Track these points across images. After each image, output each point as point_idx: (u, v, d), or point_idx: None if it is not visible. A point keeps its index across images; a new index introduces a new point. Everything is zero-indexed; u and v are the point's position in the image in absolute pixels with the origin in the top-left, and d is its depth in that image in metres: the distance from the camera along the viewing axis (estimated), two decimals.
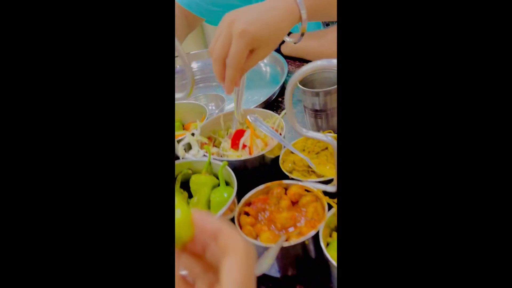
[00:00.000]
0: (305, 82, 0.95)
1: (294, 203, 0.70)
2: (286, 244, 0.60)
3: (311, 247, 0.63)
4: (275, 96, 1.12)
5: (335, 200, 0.67)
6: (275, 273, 0.65)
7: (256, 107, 1.04)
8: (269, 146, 0.81)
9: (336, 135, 0.81)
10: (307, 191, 0.70)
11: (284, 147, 0.80)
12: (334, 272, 0.59)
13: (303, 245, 0.62)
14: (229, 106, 1.03)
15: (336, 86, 0.91)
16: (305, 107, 0.95)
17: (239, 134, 0.85)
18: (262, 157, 0.78)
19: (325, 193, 0.69)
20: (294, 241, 0.61)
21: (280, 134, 0.84)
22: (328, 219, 0.63)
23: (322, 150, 0.82)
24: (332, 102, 0.92)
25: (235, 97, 0.86)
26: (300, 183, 0.71)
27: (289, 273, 0.65)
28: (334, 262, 0.57)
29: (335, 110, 0.93)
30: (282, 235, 0.64)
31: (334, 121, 0.95)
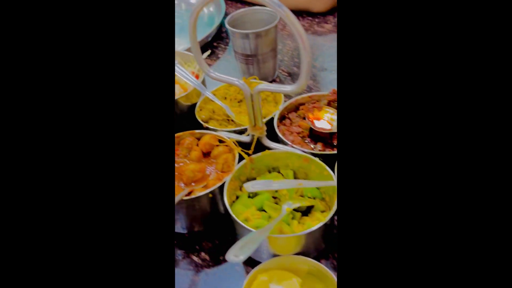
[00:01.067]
0: (235, 24, 0.86)
1: (206, 154, 0.64)
2: (186, 198, 0.54)
3: (218, 201, 0.58)
4: (210, 39, 1.03)
5: (250, 151, 0.61)
6: (181, 229, 0.60)
7: (187, 50, 0.95)
8: (187, 92, 0.74)
9: (257, 81, 0.74)
10: (221, 141, 0.64)
11: (203, 94, 0.73)
12: (238, 228, 0.54)
13: (208, 199, 0.56)
14: None
15: (269, 27, 0.83)
16: (235, 52, 0.87)
17: None
18: (175, 103, 0.71)
19: (241, 144, 0.63)
20: (195, 194, 0.55)
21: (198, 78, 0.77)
22: (237, 171, 0.58)
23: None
24: (264, 46, 0.84)
25: None
26: (213, 132, 0.65)
27: (196, 229, 0.60)
28: (235, 218, 0.52)
29: (268, 56, 0.85)
30: (184, 188, 0.58)
31: (266, 67, 0.88)
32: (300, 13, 1.11)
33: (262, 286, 0.49)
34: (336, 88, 0.70)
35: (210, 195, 0.56)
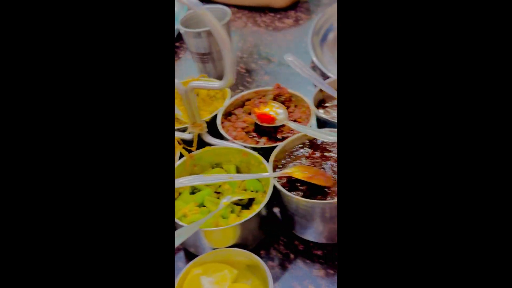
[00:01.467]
0: (189, 24, 0.87)
1: None
2: None
3: None
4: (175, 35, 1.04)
5: (193, 147, 0.62)
6: None
7: None
8: None
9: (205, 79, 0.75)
10: None
11: None
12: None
13: None
14: None
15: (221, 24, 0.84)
16: (190, 51, 0.88)
17: None
18: None
19: (186, 142, 0.64)
20: None
21: None
22: (177, 168, 0.59)
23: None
24: (217, 44, 0.85)
25: None
26: None
27: None
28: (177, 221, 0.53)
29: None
30: None
31: (223, 65, 0.89)
32: (262, 9, 1.12)
33: (194, 279, 0.50)
34: (279, 83, 0.71)
35: None
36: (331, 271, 0.54)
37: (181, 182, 0.54)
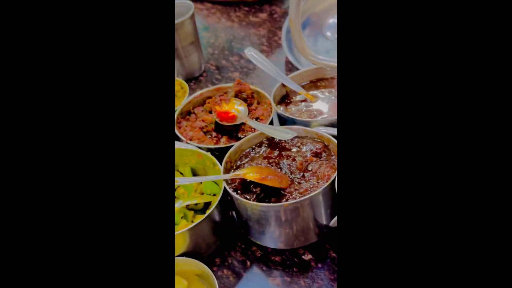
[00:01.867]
0: None
1: None
2: None
3: None
4: None
5: None
6: None
7: None
8: None
9: None
10: None
11: None
12: None
13: None
14: None
15: (182, 19, 0.80)
16: None
17: None
18: None
19: None
20: None
21: None
22: None
23: None
24: (182, 40, 0.82)
25: None
26: None
27: None
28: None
29: (189, 49, 0.83)
30: None
31: (190, 61, 0.85)
32: (237, 4, 1.09)
33: None
34: (249, 80, 0.68)
35: None
36: (288, 279, 0.50)
37: None
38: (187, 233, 0.49)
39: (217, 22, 1.05)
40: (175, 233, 0.48)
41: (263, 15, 1.04)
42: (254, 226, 0.51)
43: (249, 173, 0.51)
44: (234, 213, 0.55)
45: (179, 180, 0.52)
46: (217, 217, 0.52)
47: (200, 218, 0.54)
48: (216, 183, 0.56)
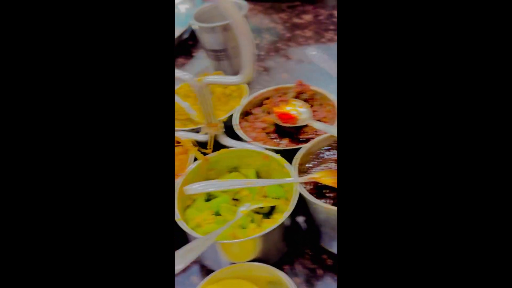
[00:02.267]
0: (203, 19, 0.82)
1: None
2: None
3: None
4: (186, 36, 0.99)
5: (208, 150, 0.57)
6: None
7: None
8: None
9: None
10: (179, 143, 0.60)
11: None
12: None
13: None
14: None
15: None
16: (204, 49, 0.83)
17: None
18: None
19: (201, 144, 0.59)
20: None
21: None
22: (190, 173, 0.54)
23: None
24: (233, 40, 0.80)
25: None
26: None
27: None
28: (180, 223, 0.47)
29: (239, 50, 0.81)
30: None
31: (239, 63, 0.83)
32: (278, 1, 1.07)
33: None
34: (301, 80, 0.65)
35: None
36: None
37: (194, 188, 0.48)
38: (260, 239, 0.46)
39: (260, 23, 1.03)
40: (247, 238, 0.46)
41: (308, 17, 1.02)
42: (329, 232, 0.49)
43: (325, 176, 0.48)
44: (301, 218, 0.53)
45: (252, 182, 0.49)
46: (288, 223, 0.49)
47: (267, 222, 0.51)
48: (281, 186, 0.54)
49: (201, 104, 0.54)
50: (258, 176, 0.57)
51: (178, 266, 0.40)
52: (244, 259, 0.48)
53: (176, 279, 0.52)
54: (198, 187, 0.49)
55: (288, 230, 0.50)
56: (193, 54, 0.97)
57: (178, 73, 0.55)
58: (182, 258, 0.42)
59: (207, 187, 0.49)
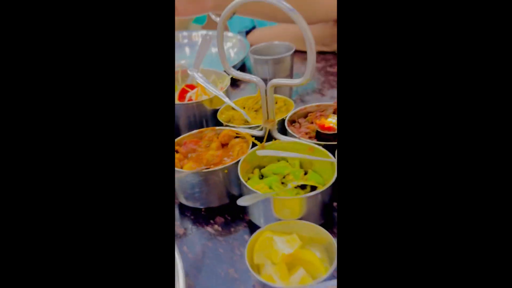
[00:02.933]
0: (256, 54, 1.00)
1: (224, 145, 0.74)
2: (203, 171, 0.64)
3: (232, 180, 0.66)
4: (238, 67, 1.17)
5: (263, 142, 0.71)
6: (199, 205, 0.68)
7: None
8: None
9: None
10: (238, 136, 0.74)
11: (225, 102, 0.84)
12: (246, 191, 0.62)
13: (223, 174, 0.65)
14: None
15: (285, 55, 0.96)
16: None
17: (190, 87, 0.90)
18: (201, 105, 0.83)
19: (256, 139, 0.73)
20: (212, 168, 0.64)
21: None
22: (250, 154, 0.67)
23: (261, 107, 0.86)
24: (281, 72, 0.97)
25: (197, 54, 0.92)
26: (232, 127, 0.75)
27: (211, 205, 0.68)
28: (244, 182, 0.60)
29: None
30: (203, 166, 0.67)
31: (282, 92, 1.00)
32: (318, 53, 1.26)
33: (266, 241, 0.56)
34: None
35: (226, 171, 0.65)
36: None
37: (263, 152, 0.62)
38: (306, 200, 0.59)
39: (302, 63, 1.21)
40: (301, 196, 0.58)
41: None
42: None
43: None
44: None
45: (309, 156, 0.63)
46: (326, 198, 0.62)
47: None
48: (321, 175, 0.67)
49: (263, 102, 0.69)
50: (301, 167, 0.70)
51: (247, 202, 0.53)
52: (289, 217, 0.60)
53: (232, 236, 0.63)
54: (268, 152, 0.63)
55: (324, 204, 0.62)
56: (240, 86, 1.14)
57: (245, 75, 0.70)
58: (249, 199, 0.54)
59: (276, 153, 0.63)
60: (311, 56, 0.59)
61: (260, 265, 0.54)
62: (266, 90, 0.68)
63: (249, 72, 1.17)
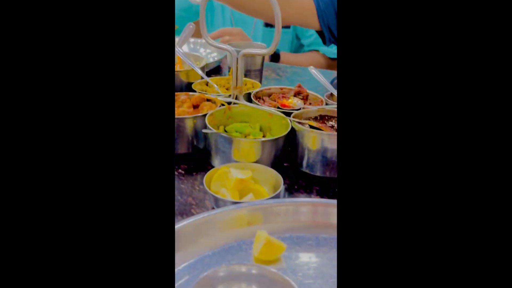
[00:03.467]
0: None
1: (195, 107, 0.83)
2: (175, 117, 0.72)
3: (198, 130, 0.75)
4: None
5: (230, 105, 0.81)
6: None
7: None
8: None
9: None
10: (209, 101, 0.83)
11: (202, 78, 0.94)
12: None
13: (191, 125, 0.74)
14: None
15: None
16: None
17: None
18: (178, 76, 0.92)
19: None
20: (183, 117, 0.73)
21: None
22: (217, 112, 0.76)
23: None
24: (254, 65, 1.08)
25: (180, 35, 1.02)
26: (204, 93, 0.84)
27: (179, 152, 0.76)
28: (214, 130, 0.69)
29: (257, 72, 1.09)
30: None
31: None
32: None
33: (223, 173, 0.64)
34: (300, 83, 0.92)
35: (194, 120, 0.74)
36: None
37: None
38: (263, 144, 0.68)
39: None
40: (259, 139, 0.67)
41: None
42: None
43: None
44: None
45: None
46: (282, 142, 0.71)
47: None
48: None
49: (234, 70, 0.79)
50: (261, 130, 0.80)
51: (206, 131, 0.62)
52: (248, 161, 0.68)
53: (187, 177, 0.71)
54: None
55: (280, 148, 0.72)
56: None
57: (218, 44, 0.80)
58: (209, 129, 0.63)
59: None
60: (278, 28, 0.70)
61: (216, 192, 0.62)
62: (237, 59, 0.78)
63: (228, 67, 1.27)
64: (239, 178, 0.61)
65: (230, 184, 0.61)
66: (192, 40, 1.49)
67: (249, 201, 0.56)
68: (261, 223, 0.54)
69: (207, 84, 0.94)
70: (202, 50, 1.46)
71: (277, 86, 0.93)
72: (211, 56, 1.46)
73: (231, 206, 0.54)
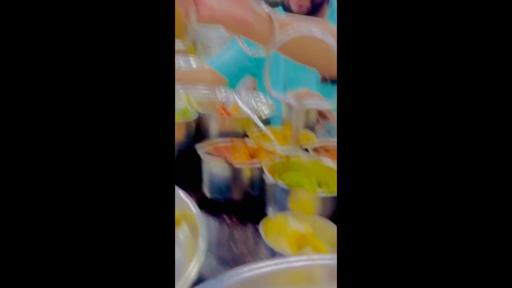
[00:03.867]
0: None
1: (251, 157, 0.83)
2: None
3: (255, 179, 0.74)
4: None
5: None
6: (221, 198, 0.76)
7: None
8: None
9: None
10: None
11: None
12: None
13: (248, 175, 0.73)
14: None
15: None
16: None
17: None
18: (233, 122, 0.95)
19: None
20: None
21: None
22: (275, 162, 0.76)
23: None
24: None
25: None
26: (261, 143, 0.85)
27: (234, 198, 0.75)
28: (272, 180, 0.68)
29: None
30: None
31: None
32: None
33: (280, 223, 0.61)
34: None
35: (252, 170, 0.73)
36: None
37: None
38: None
39: None
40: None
41: None
42: None
43: None
44: None
45: None
46: None
47: None
48: None
49: (294, 122, 0.80)
50: (319, 186, 0.78)
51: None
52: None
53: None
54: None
55: None
56: None
57: (284, 96, 0.81)
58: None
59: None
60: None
61: (273, 242, 0.60)
62: (298, 111, 0.79)
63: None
64: (299, 232, 0.59)
65: (288, 234, 0.59)
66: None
67: (310, 255, 0.54)
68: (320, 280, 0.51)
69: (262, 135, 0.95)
70: (253, 102, 1.50)
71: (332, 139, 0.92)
72: (260, 110, 1.49)
73: (290, 259, 0.52)
